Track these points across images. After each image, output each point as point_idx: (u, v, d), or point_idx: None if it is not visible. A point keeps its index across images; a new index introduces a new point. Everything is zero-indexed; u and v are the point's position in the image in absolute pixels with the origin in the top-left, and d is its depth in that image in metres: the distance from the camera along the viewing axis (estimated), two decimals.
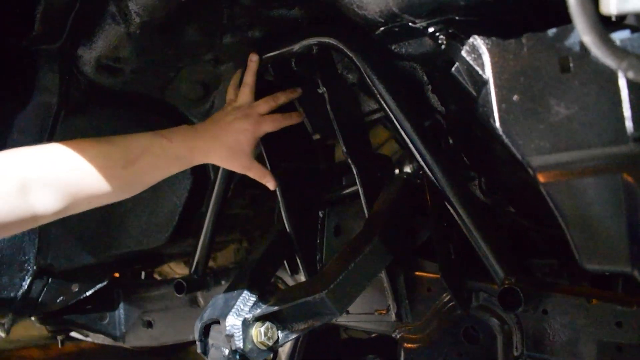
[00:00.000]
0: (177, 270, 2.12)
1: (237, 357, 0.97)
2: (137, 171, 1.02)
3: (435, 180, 1.05)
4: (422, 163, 1.05)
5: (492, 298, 1.03)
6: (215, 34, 1.22)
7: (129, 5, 1.10)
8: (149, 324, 1.72)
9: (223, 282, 1.60)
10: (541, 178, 0.58)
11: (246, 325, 0.97)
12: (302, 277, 1.36)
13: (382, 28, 0.75)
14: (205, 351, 1.03)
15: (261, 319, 0.98)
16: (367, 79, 1.04)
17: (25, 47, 1.22)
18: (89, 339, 1.78)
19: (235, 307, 0.99)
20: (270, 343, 0.98)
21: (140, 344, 1.77)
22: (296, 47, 1.14)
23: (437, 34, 0.64)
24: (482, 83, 0.61)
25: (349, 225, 1.32)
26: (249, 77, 1.20)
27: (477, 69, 0.60)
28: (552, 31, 0.49)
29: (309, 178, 1.33)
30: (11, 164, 0.91)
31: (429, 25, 0.65)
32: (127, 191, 1.06)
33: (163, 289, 1.69)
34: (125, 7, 1.12)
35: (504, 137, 0.58)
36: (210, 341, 1.02)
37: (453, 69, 0.67)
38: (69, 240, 1.46)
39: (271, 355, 1.09)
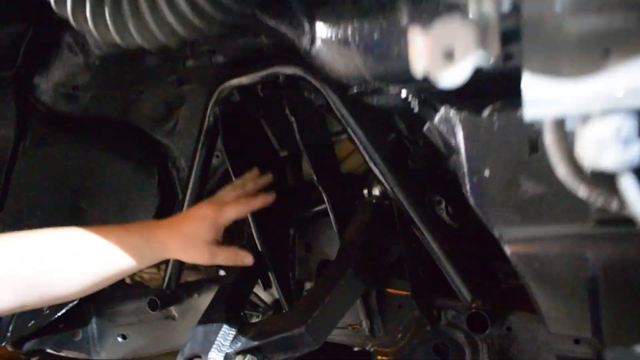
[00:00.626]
0: (145, 275, 2.12)
1: None
2: (92, 261, 0.98)
3: (401, 204, 1.09)
4: (388, 188, 1.09)
5: (460, 316, 1.08)
6: (177, 60, 1.20)
7: (87, 38, 1.08)
8: (123, 337, 1.73)
9: (196, 295, 1.62)
10: (509, 249, 0.62)
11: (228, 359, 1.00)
12: (275, 292, 1.39)
13: (354, 89, 0.76)
14: None
15: (242, 352, 1.01)
16: (335, 109, 1.06)
17: None
18: (63, 354, 1.77)
19: (216, 342, 1.01)
20: None
21: (115, 357, 1.77)
22: (262, 74, 1.14)
23: (409, 98, 0.67)
24: (453, 150, 0.64)
25: (320, 241, 1.35)
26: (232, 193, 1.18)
27: (450, 139, 0.63)
28: (522, 110, 0.52)
29: (277, 196, 1.35)
30: None
31: (401, 90, 0.67)
32: (86, 284, 0.99)
33: (136, 302, 1.69)
34: (83, 39, 1.09)
35: (474, 207, 0.62)
36: None
37: (425, 128, 0.70)
38: None
39: None
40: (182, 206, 1.44)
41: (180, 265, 1.55)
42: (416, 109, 0.67)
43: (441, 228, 1.09)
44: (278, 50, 1.14)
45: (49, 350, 1.76)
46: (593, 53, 0.32)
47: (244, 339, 1.03)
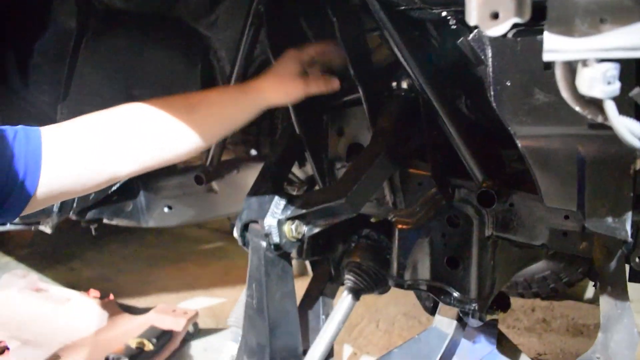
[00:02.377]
0: None
1: (273, 248, 1.24)
2: (200, 118, 1.11)
3: (427, 96, 1.25)
4: (415, 82, 1.25)
5: (471, 193, 1.29)
6: None
7: None
8: (169, 208, 1.97)
9: (235, 172, 1.84)
10: (521, 142, 0.79)
11: (280, 224, 1.22)
12: (308, 170, 1.60)
13: (402, 7, 0.89)
14: (244, 244, 1.29)
15: (291, 218, 1.23)
16: (374, 11, 1.18)
17: None
18: (114, 223, 2.02)
19: (270, 209, 1.23)
20: (299, 236, 1.24)
21: (161, 224, 2.03)
22: None
23: (449, 18, 0.80)
24: (482, 62, 0.79)
25: (350, 126, 1.53)
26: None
27: (480, 54, 0.77)
28: (540, 37, 0.66)
29: None
30: (89, 131, 1.04)
31: (442, 11, 0.80)
32: (198, 139, 1.12)
33: (180, 177, 1.91)
34: None
35: (496, 109, 0.78)
36: (249, 236, 1.28)
37: (459, 41, 0.84)
38: None
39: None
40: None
41: (222, 145, 1.75)
42: (454, 26, 0.81)
43: (460, 118, 1.25)
44: None
45: (105, 221, 2.02)
46: (593, 21, 0.47)
47: (292, 208, 1.25)
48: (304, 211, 1.21)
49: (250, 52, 1.48)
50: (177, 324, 2.75)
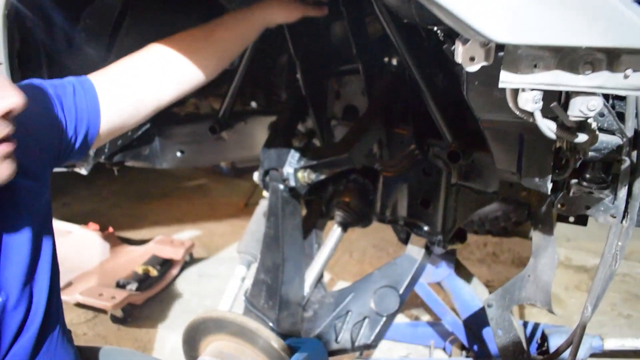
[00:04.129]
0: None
1: (289, 190, 1.59)
2: (218, 39, 1.33)
3: (412, 71, 1.57)
4: (405, 61, 1.56)
5: (442, 150, 1.64)
6: None
7: None
8: (182, 152, 2.26)
9: (242, 123, 2.14)
10: (482, 124, 1.13)
11: (296, 172, 1.56)
12: (309, 124, 1.93)
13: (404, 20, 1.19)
14: (265, 186, 1.63)
15: (304, 168, 1.57)
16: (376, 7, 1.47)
17: None
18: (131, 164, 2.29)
19: (287, 160, 1.57)
20: (310, 182, 1.59)
21: (173, 166, 2.32)
22: None
23: (438, 32, 1.11)
24: (459, 65, 1.12)
25: (346, 90, 1.85)
26: None
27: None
28: (500, 54, 0.99)
29: (319, 53, 1.80)
30: (131, 71, 1.25)
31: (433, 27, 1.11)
32: (219, 59, 1.34)
33: (192, 126, 2.20)
34: None
35: (467, 99, 1.12)
36: (269, 180, 1.62)
37: (444, 47, 1.17)
38: None
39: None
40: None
41: (234, 99, 2.03)
42: (441, 38, 1.13)
43: (437, 91, 1.58)
44: None
45: (127, 163, 2.28)
46: (529, 66, 0.80)
47: (305, 159, 1.58)
48: (314, 162, 1.55)
49: None
50: (176, 253, 3.09)
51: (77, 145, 1.16)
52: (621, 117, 1.04)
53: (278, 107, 2.11)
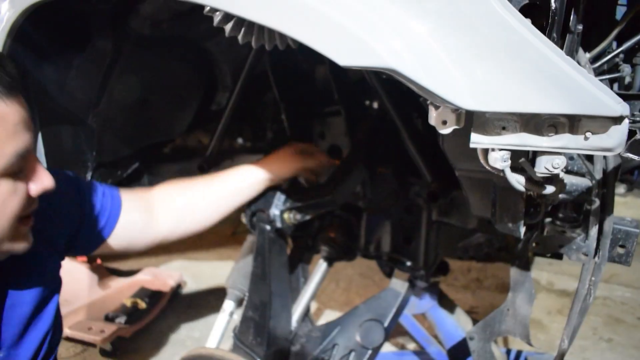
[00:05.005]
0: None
1: (275, 231, 1.64)
2: (216, 189, 1.54)
3: (393, 115, 1.64)
4: (386, 104, 1.64)
5: (422, 190, 1.71)
6: None
7: None
8: None
9: (229, 161, 2.19)
10: (458, 172, 1.20)
11: (282, 213, 1.62)
12: None
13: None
14: (253, 227, 1.68)
15: (290, 209, 1.63)
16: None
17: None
18: None
19: (273, 202, 1.62)
20: (295, 222, 1.64)
21: None
22: None
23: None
24: None
25: (330, 131, 1.91)
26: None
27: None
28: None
29: (304, 96, 1.87)
30: (140, 202, 1.42)
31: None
32: (222, 213, 1.56)
33: (180, 164, 2.25)
34: None
35: (442, 149, 1.18)
36: (256, 222, 1.67)
37: (420, 99, 1.24)
38: (115, 139, 1.95)
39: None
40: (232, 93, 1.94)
41: (221, 139, 2.09)
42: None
43: (416, 133, 1.66)
44: None
45: None
46: (497, 129, 0.87)
47: (290, 201, 1.64)
48: (300, 204, 1.61)
49: (252, 67, 1.83)
50: (164, 285, 3.11)
51: (90, 233, 1.31)
52: (590, 158, 1.12)
53: (264, 145, 2.17)
